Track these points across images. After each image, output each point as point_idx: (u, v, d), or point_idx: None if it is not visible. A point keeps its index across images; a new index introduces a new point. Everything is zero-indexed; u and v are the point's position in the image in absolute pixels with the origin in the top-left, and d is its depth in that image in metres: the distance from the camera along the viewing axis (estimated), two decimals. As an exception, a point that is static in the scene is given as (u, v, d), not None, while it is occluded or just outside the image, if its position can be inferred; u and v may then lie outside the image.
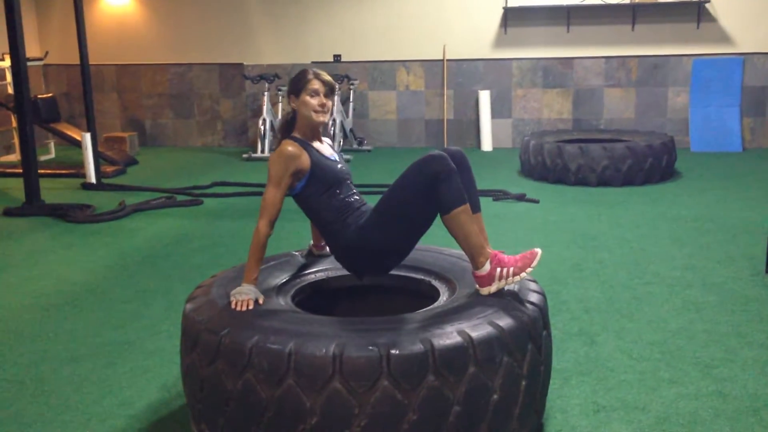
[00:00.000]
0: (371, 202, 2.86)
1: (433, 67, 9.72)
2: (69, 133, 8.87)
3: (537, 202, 6.45)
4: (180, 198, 6.85)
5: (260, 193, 6.89)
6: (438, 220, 2.64)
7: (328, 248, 3.10)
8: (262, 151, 9.15)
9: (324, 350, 2.18)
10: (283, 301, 2.65)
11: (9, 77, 8.89)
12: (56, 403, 2.94)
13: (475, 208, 2.69)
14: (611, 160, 7.03)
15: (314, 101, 2.75)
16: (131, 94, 10.54)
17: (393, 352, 2.17)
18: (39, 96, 8.74)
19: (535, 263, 2.53)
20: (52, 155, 9.61)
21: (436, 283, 2.86)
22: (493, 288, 2.55)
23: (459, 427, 2.24)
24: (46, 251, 5.24)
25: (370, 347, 2.18)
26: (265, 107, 9.26)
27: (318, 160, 2.75)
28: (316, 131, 2.85)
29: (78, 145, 8.16)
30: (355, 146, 9.60)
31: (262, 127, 9.21)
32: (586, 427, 2.67)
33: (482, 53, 9.58)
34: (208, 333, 2.36)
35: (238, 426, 2.30)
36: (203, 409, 2.41)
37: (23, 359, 3.38)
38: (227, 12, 10.05)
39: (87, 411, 2.88)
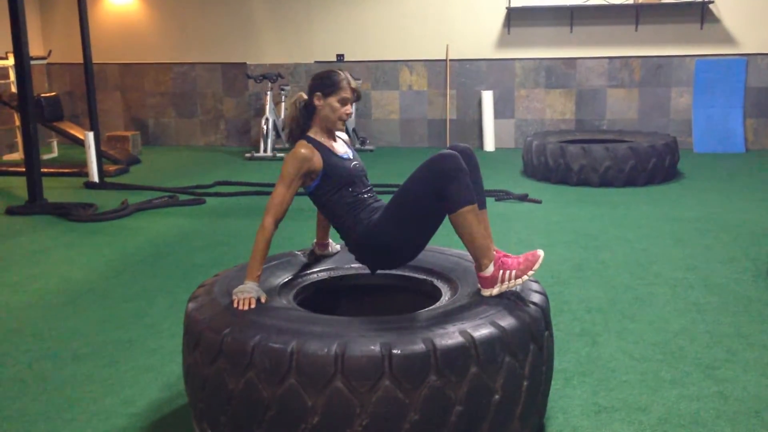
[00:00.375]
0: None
1: (436, 67, 9.71)
2: (72, 131, 8.89)
3: (539, 202, 6.44)
4: (182, 197, 6.86)
5: (263, 193, 6.93)
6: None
7: (335, 246, 3.13)
8: (265, 151, 9.16)
9: (326, 349, 2.18)
10: (286, 300, 2.66)
11: (12, 76, 8.93)
12: (58, 402, 2.95)
13: (481, 206, 2.72)
14: (614, 161, 7.03)
15: (343, 109, 2.79)
16: (134, 93, 10.55)
17: (395, 351, 2.17)
18: (42, 95, 8.74)
19: (537, 266, 2.54)
20: (55, 154, 9.64)
21: (438, 282, 2.87)
22: (495, 291, 2.56)
23: (460, 427, 2.24)
24: (48, 250, 5.24)
25: (372, 347, 2.18)
26: (267, 107, 9.27)
27: (330, 161, 2.77)
28: (333, 131, 2.87)
29: (81, 144, 8.17)
30: (357, 146, 9.60)
31: (264, 127, 9.21)
32: (588, 428, 2.67)
33: (485, 53, 9.58)
34: (210, 332, 2.37)
35: (240, 425, 2.30)
36: (205, 407, 2.42)
37: (25, 357, 3.39)
38: (230, 11, 10.05)
39: (89, 409, 2.88)
